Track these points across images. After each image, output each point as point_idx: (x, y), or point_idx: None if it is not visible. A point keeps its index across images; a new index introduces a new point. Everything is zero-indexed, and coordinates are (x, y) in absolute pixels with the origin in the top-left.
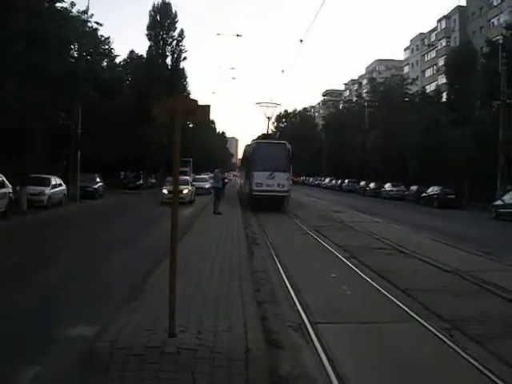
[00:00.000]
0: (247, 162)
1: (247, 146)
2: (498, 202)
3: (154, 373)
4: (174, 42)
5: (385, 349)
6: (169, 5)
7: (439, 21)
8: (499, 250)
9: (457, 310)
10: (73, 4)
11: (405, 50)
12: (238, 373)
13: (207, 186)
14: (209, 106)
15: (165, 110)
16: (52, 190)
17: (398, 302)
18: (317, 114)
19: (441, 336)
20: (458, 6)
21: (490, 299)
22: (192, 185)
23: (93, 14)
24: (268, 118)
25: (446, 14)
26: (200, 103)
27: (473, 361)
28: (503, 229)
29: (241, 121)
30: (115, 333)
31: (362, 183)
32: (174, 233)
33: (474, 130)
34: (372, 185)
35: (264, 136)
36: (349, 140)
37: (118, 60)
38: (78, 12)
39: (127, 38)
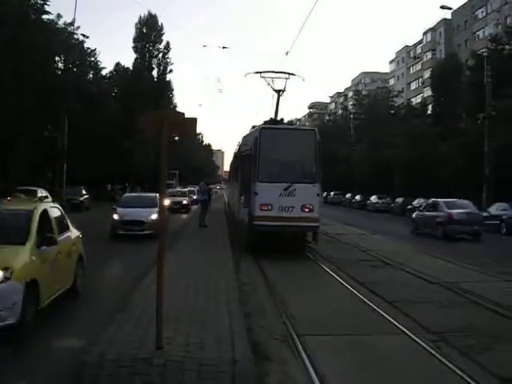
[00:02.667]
0: (244, 166)
1: (244, 137)
2: (484, 214)
3: None
4: (160, 55)
5: (372, 361)
6: (155, 17)
7: (425, 33)
8: (484, 261)
9: (443, 321)
10: (59, 16)
11: (390, 62)
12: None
13: (153, 217)
14: (195, 119)
15: (151, 124)
16: None
17: (384, 314)
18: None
19: (428, 348)
20: (444, 19)
21: (475, 310)
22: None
23: (79, 27)
24: (278, 91)
25: (431, 26)
26: (186, 116)
27: (461, 373)
28: (488, 240)
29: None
30: (103, 345)
31: (348, 195)
32: (161, 248)
33: (460, 142)
34: (358, 197)
35: (273, 121)
36: (335, 152)
37: (104, 72)
38: (64, 24)
39: (113, 50)
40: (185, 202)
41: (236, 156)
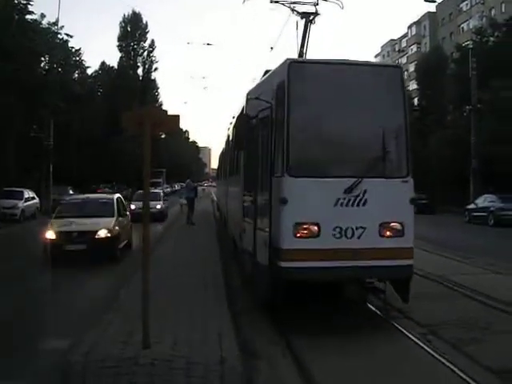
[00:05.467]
0: (253, 145)
1: (254, 89)
2: (471, 206)
3: None
4: (145, 53)
5: (361, 356)
6: (139, 15)
7: (409, 27)
8: (472, 253)
9: (433, 314)
10: (43, 16)
11: (375, 56)
12: (214, 383)
13: None
14: (178, 116)
15: (134, 122)
16: (25, 204)
17: (374, 309)
18: None
19: (418, 341)
20: (428, 12)
21: (464, 303)
22: None
23: (63, 26)
24: (306, 16)
25: (416, 20)
26: (171, 113)
27: (450, 365)
28: (476, 232)
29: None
30: (89, 345)
31: None
32: (146, 243)
33: (447, 134)
34: None
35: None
36: None
37: (89, 71)
38: (48, 24)
39: (98, 49)
40: (103, 236)
41: (236, 130)
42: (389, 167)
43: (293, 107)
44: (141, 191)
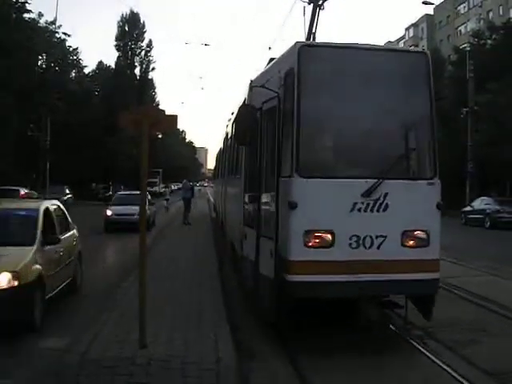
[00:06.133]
0: (256, 142)
1: (258, 78)
2: (468, 208)
3: None
4: (143, 53)
5: (357, 358)
6: (137, 15)
7: (407, 29)
8: (469, 255)
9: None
10: (40, 15)
11: None
12: (210, 383)
13: None
14: (176, 116)
15: (132, 122)
16: None
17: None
18: None
19: (414, 343)
20: (426, 15)
21: (460, 305)
22: None
23: (61, 25)
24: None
25: (413, 22)
26: (168, 113)
27: (447, 367)
28: (472, 234)
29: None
30: (86, 344)
31: None
32: (143, 246)
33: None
34: None
35: None
36: None
37: (86, 71)
38: (45, 23)
39: (96, 48)
40: (5, 286)
41: (237, 122)
42: (413, 167)
43: (303, 97)
44: (120, 193)
